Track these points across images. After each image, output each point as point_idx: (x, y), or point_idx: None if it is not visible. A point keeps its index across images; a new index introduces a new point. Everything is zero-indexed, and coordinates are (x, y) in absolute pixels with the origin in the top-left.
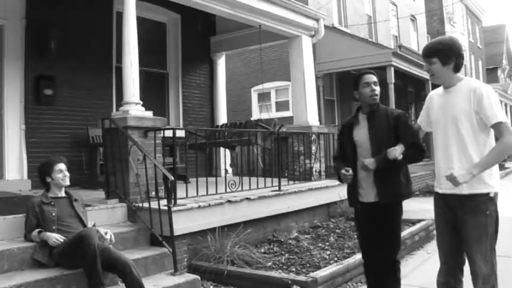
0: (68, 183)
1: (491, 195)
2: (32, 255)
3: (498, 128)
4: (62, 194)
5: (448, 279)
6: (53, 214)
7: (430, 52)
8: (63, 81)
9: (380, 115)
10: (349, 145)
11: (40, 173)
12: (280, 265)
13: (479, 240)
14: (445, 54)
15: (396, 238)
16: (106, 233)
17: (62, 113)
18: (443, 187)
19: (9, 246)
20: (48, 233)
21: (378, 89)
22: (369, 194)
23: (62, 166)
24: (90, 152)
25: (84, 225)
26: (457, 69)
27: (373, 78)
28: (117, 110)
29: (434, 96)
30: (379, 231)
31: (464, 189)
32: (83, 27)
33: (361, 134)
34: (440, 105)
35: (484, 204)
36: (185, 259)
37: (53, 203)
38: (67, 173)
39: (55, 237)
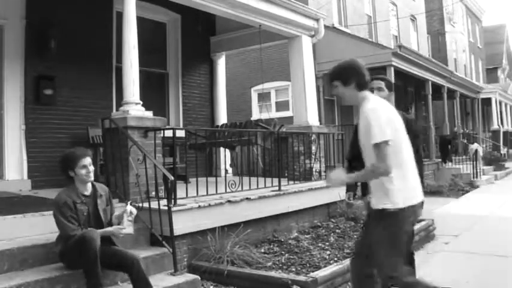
0: (92, 178)
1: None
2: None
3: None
4: (89, 189)
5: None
6: (85, 213)
7: (331, 77)
8: (63, 81)
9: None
10: (357, 146)
11: (62, 167)
12: (280, 265)
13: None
14: (343, 76)
15: None
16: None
17: (62, 113)
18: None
19: (9, 246)
20: (109, 228)
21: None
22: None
23: (86, 161)
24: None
25: (101, 225)
26: (360, 88)
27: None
28: (117, 110)
29: None
30: None
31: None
32: (83, 27)
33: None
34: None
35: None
36: (185, 259)
37: (85, 201)
38: (91, 168)
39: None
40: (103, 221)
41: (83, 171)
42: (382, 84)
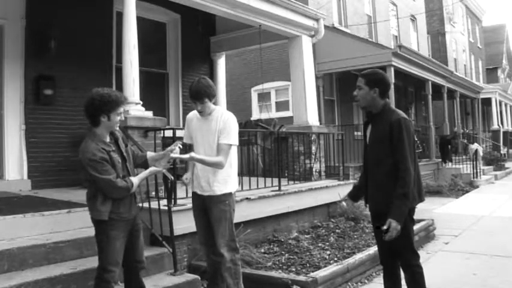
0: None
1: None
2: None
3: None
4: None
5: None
6: (120, 161)
7: (207, 95)
8: (63, 81)
9: (382, 120)
10: (365, 144)
11: (95, 108)
12: (280, 265)
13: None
14: (212, 94)
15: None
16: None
17: (61, 113)
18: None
19: (9, 246)
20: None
21: (356, 92)
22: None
23: (122, 108)
24: None
25: (129, 171)
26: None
27: (357, 81)
28: None
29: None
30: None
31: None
32: (83, 27)
33: (368, 136)
34: (198, 127)
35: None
36: (185, 259)
37: (114, 149)
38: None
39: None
40: (128, 165)
41: (117, 119)
42: (362, 82)
